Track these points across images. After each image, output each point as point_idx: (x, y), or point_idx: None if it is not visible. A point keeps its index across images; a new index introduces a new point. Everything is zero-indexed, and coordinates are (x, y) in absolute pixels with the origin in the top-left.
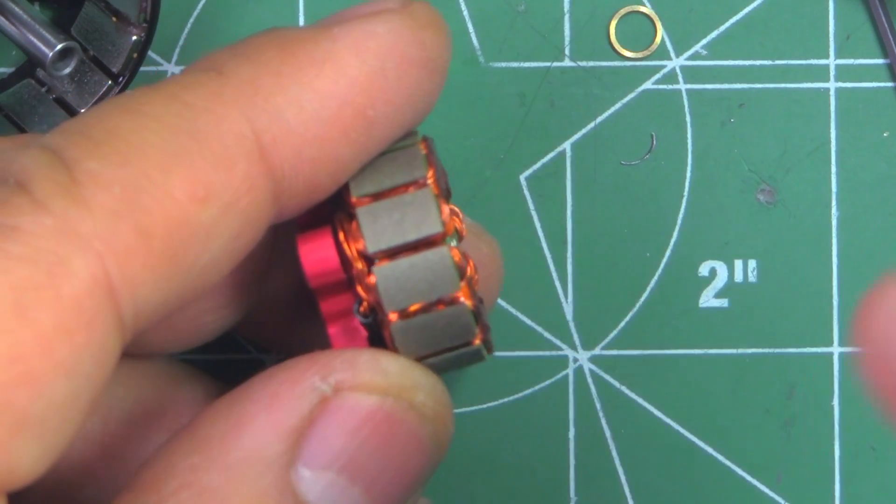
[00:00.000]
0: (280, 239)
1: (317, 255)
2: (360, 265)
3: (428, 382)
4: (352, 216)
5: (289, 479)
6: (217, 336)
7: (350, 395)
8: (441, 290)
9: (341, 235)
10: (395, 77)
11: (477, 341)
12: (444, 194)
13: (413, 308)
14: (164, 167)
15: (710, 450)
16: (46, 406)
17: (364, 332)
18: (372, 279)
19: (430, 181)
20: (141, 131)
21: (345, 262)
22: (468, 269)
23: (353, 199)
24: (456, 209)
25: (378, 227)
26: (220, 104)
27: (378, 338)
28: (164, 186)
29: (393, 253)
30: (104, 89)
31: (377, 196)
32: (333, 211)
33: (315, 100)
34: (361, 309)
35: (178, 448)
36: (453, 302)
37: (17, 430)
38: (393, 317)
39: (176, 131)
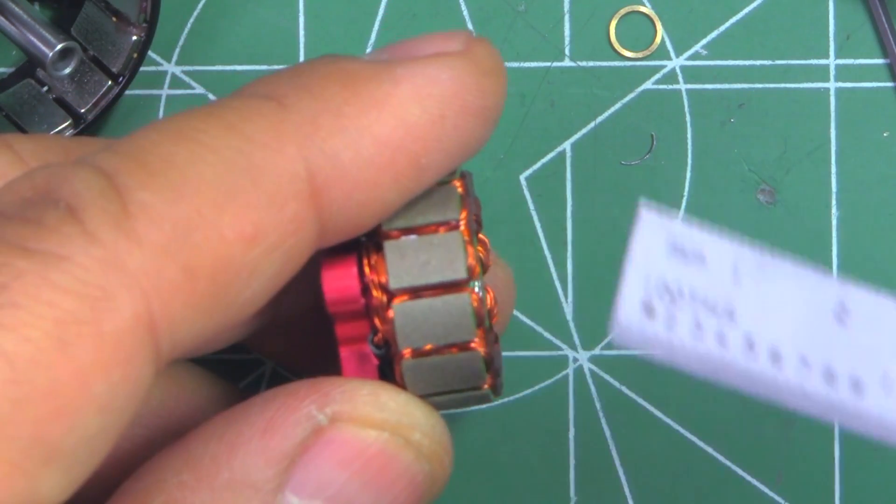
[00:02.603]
0: None
1: (339, 283)
2: (380, 297)
3: (428, 422)
4: (379, 247)
5: None
6: (227, 346)
7: (345, 426)
8: (456, 336)
9: (366, 265)
10: (454, 126)
11: (486, 386)
12: (475, 228)
13: (427, 348)
14: (216, 204)
15: (710, 450)
16: (77, 441)
17: (375, 361)
18: (390, 314)
19: (461, 224)
20: (197, 163)
21: (366, 290)
22: (488, 302)
23: (383, 232)
24: (485, 239)
25: (404, 264)
26: (279, 140)
27: (388, 368)
28: (215, 225)
29: (414, 291)
30: (104, 89)
31: (407, 231)
32: (361, 238)
33: (372, 145)
34: (376, 339)
35: (170, 463)
36: (467, 348)
37: (47, 462)
38: (406, 353)
39: (232, 166)
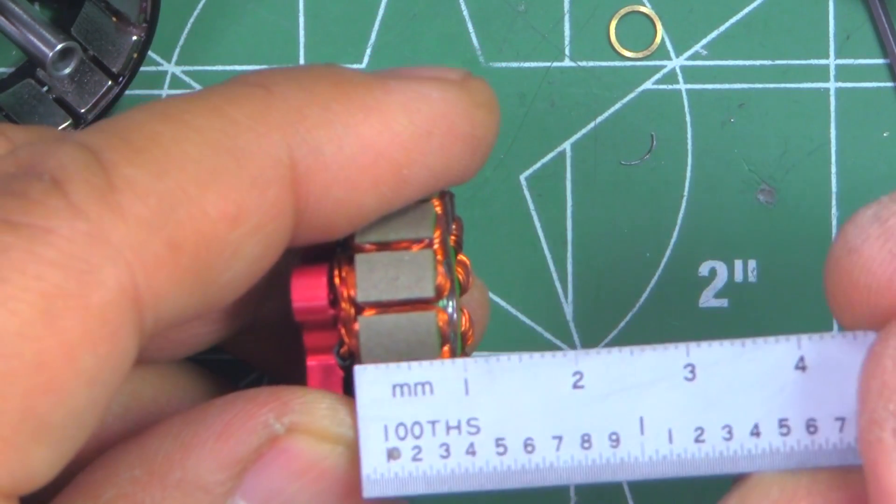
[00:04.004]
0: (280, 264)
1: (308, 292)
2: (348, 310)
3: None
4: (351, 259)
5: None
6: (207, 348)
7: (301, 438)
8: (420, 355)
9: (336, 276)
10: (439, 145)
11: None
12: (451, 248)
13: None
14: (200, 182)
15: None
16: (66, 414)
17: (340, 373)
18: (356, 327)
19: (434, 243)
20: (181, 142)
21: (335, 301)
22: (464, 324)
23: (356, 244)
24: (465, 260)
25: (373, 278)
26: (264, 124)
27: (352, 381)
28: (199, 202)
29: (382, 306)
30: (104, 89)
31: (380, 246)
32: (335, 249)
33: (355, 144)
34: (341, 351)
35: (124, 458)
36: None
37: (37, 436)
38: None
39: (216, 146)
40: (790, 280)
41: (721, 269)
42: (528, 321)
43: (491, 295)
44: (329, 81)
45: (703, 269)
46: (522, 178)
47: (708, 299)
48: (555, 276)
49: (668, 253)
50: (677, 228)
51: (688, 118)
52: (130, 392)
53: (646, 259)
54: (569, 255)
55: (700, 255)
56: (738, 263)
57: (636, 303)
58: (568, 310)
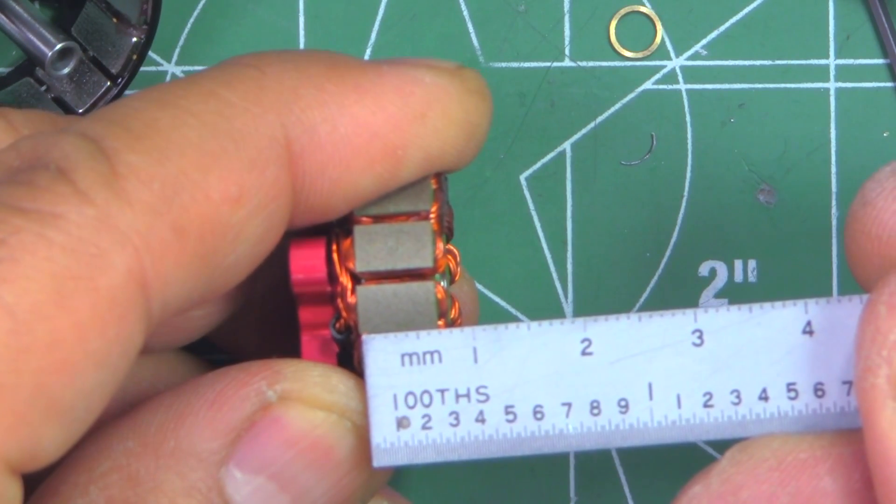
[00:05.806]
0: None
1: (306, 262)
2: (345, 282)
3: None
4: (349, 232)
5: (218, 477)
6: (199, 337)
7: (293, 405)
8: (418, 324)
9: (334, 249)
10: (434, 128)
11: None
12: (445, 232)
13: None
14: (201, 166)
15: (709, 450)
16: (76, 394)
17: (335, 348)
18: (353, 298)
19: (432, 216)
20: (180, 127)
21: (332, 275)
22: (453, 312)
23: (354, 217)
24: (454, 250)
25: (371, 249)
26: (258, 105)
27: (348, 357)
28: (201, 185)
29: (380, 277)
30: (103, 90)
31: (378, 218)
32: (332, 223)
33: (349, 124)
34: (337, 325)
35: (118, 431)
36: None
37: (48, 415)
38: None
39: (214, 129)
40: (790, 280)
41: (721, 269)
42: (528, 321)
43: (491, 295)
44: (323, 64)
45: (703, 269)
46: (522, 178)
47: (708, 299)
48: (555, 276)
49: (668, 253)
50: (677, 228)
51: (688, 118)
52: (129, 378)
53: (646, 259)
54: (569, 255)
55: (700, 255)
56: (738, 263)
57: (636, 303)
58: (568, 310)
